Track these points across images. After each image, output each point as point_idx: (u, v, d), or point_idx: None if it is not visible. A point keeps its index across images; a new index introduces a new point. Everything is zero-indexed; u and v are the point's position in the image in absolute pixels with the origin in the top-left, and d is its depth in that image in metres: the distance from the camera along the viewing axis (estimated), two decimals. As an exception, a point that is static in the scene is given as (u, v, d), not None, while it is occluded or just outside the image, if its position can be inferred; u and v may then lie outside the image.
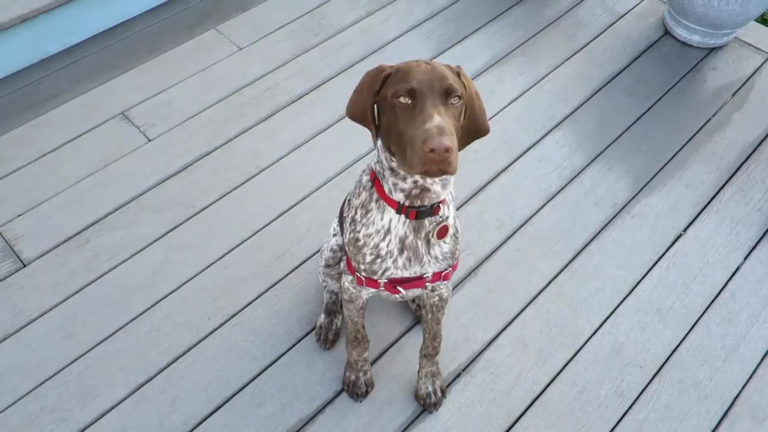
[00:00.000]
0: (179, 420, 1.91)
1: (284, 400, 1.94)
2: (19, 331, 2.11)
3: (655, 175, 2.54)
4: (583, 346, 2.06)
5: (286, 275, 2.24)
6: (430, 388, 1.91)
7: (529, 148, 2.65)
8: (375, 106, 1.34)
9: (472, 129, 1.36)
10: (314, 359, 2.03)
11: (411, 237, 1.46)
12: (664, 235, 2.35)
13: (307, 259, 2.27)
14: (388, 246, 1.47)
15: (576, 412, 1.92)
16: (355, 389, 1.94)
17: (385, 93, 1.29)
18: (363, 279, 1.55)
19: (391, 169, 1.38)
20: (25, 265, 2.28)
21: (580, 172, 2.56)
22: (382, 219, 1.45)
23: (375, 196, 1.45)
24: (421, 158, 1.18)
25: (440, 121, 1.19)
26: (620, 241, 2.33)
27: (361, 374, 1.93)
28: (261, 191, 2.50)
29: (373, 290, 1.62)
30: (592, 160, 2.60)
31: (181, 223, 2.40)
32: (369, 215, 1.47)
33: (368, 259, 1.50)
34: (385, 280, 1.54)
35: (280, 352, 2.05)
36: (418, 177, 1.35)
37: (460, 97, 1.26)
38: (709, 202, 2.45)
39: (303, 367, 2.01)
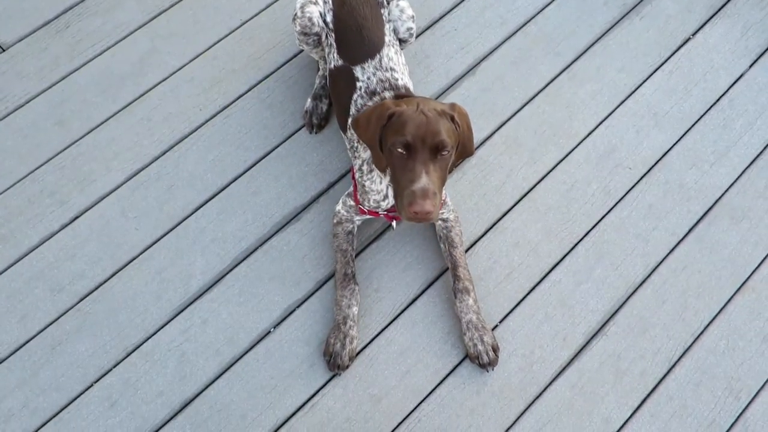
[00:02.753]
0: (177, 205, 1.96)
1: (279, 190, 1.98)
2: (8, 116, 2.07)
3: (671, -26, 2.38)
4: (575, 147, 2.08)
5: (278, 68, 2.17)
6: (480, 347, 1.72)
7: (540, -61, 2.44)
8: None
9: (461, 154, 1.58)
10: (308, 152, 2.03)
11: None
12: (672, 39, 2.26)
13: (299, 52, 2.18)
14: (387, 206, 1.72)
15: (562, 208, 1.98)
16: (336, 360, 1.71)
17: (387, 134, 1.49)
18: (366, 210, 1.74)
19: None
20: (4, 50, 2.18)
21: (592, -32, 2.39)
22: (381, 182, 1.68)
23: None
24: (405, 212, 1.45)
25: (425, 182, 1.42)
26: (625, 44, 2.25)
27: (347, 341, 1.71)
28: (249, -22, 2.33)
29: (367, 216, 1.81)
30: (607, -45, 2.41)
31: (164, 10, 2.26)
32: (372, 174, 1.68)
33: (372, 204, 1.72)
34: (384, 212, 1.75)
35: (273, 144, 2.05)
36: None
37: (449, 150, 1.47)
38: (723, 6, 2.32)
39: (297, 160, 2.02)
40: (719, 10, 2.32)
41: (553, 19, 2.28)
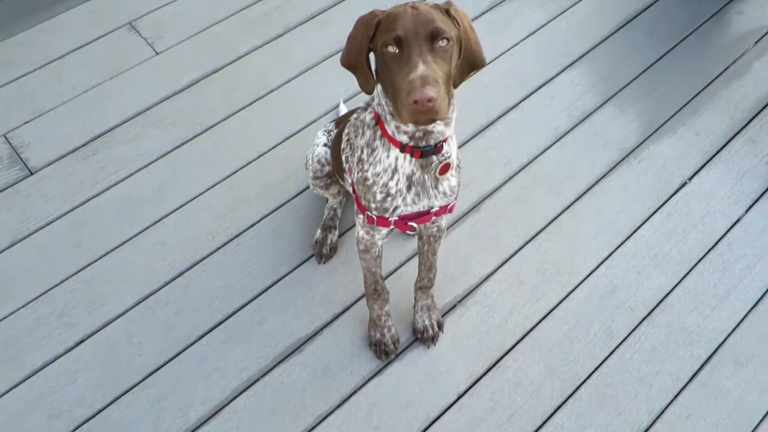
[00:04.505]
0: (183, 332, 1.98)
1: (284, 320, 2.00)
2: (28, 237, 2.16)
3: (666, 121, 2.52)
4: (577, 286, 2.11)
5: (291, 199, 2.26)
6: (427, 322, 1.95)
7: (541, 85, 2.61)
8: (371, 53, 1.35)
9: (469, 62, 1.36)
10: (315, 282, 2.08)
11: (418, 173, 1.48)
12: (669, 182, 2.35)
13: (312, 184, 2.29)
14: (396, 185, 1.48)
15: (564, 348, 1.99)
16: (382, 348, 1.92)
17: (377, 41, 1.30)
18: (374, 218, 1.56)
19: (392, 114, 1.39)
20: (32, 173, 2.30)
21: (591, 113, 2.53)
22: (388, 157, 1.46)
23: (379, 134, 1.46)
24: (407, 109, 1.22)
25: (424, 70, 1.20)
26: (624, 186, 2.34)
27: (385, 330, 1.91)
28: (268, 113, 2.49)
29: (385, 231, 1.65)
30: (605, 102, 2.57)
31: (187, 141, 2.40)
32: (375, 153, 1.48)
33: (378, 197, 1.50)
34: (396, 218, 1.55)
35: (282, 274, 2.10)
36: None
37: (448, 39, 1.26)
38: (717, 152, 2.44)
39: (304, 290, 2.06)
40: (714, 156, 2.42)
41: (555, 160, 2.39)
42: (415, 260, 2.12)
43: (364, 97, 2.50)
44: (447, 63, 1.28)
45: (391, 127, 1.41)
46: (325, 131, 2.03)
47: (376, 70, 1.36)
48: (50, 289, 2.05)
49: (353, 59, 1.37)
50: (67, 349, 1.94)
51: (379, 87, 1.40)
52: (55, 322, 1.99)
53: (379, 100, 1.42)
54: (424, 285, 1.91)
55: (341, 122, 1.98)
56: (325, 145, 1.99)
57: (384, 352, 1.92)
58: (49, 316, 2.00)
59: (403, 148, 1.42)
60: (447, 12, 1.31)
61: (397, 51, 1.25)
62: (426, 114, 1.22)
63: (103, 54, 2.64)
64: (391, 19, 1.27)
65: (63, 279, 2.07)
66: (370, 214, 1.56)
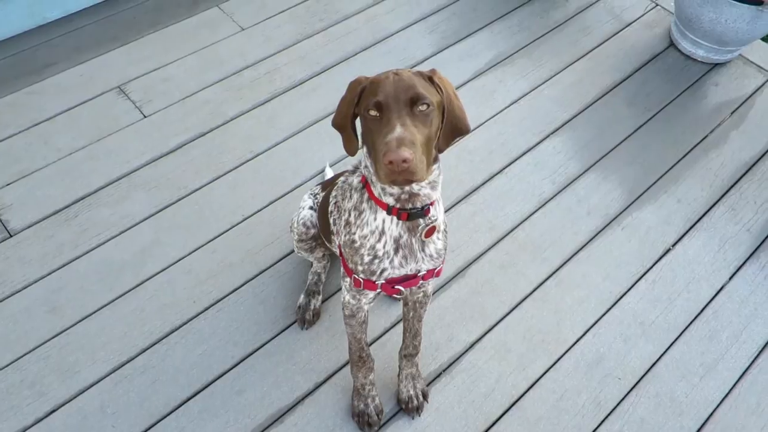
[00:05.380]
0: (159, 401, 1.91)
1: (264, 389, 1.94)
2: (2, 302, 2.10)
3: (648, 188, 2.55)
4: (564, 354, 2.08)
5: (274, 263, 2.24)
6: (411, 392, 1.90)
7: (525, 152, 2.65)
8: (358, 117, 1.39)
9: (453, 128, 1.38)
10: (297, 350, 2.03)
11: (405, 236, 1.47)
12: (653, 249, 2.36)
13: (296, 249, 2.27)
14: (384, 247, 1.48)
15: (552, 419, 1.94)
16: (365, 419, 1.87)
17: (361, 106, 1.34)
18: (361, 281, 1.54)
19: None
20: (11, 236, 2.26)
21: (574, 180, 2.56)
22: (375, 219, 1.46)
23: (366, 196, 1.46)
24: (384, 170, 1.24)
25: (401, 132, 1.23)
26: (609, 252, 2.34)
27: (369, 401, 1.87)
28: (254, 177, 2.49)
29: (372, 295, 1.63)
30: (588, 169, 2.60)
31: (171, 204, 2.39)
32: (362, 216, 1.48)
33: (366, 259, 1.49)
34: (383, 281, 1.53)
35: (263, 341, 2.05)
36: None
37: (428, 104, 1.29)
38: (699, 219, 2.46)
39: (285, 357, 2.01)
40: (696, 223, 2.45)
41: (539, 226, 2.40)
42: (400, 327, 2.08)
43: (349, 161, 2.52)
44: (427, 127, 1.30)
45: (377, 189, 1.42)
46: (311, 194, 2.03)
47: (362, 133, 1.38)
48: (22, 356, 1.98)
49: (341, 121, 1.41)
50: (36, 420, 1.86)
51: (365, 150, 1.42)
52: (26, 392, 1.91)
53: (366, 163, 1.44)
54: (409, 353, 1.87)
55: (327, 185, 1.99)
56: (311, 208, 1.98)
57: (367, 423, 1.86)
58: (19, 385, 1.92)
59: (389, 210, 1.42)
60: (430, 79, 1.34)
61: (378, 115, 1.28)
62: (402, 175, 1.23)
63: (91, 117, 2.65)
64: (374, 86, 1.31)
65: (36, 345, 2.01)
66: (357, 277, 1.54)
